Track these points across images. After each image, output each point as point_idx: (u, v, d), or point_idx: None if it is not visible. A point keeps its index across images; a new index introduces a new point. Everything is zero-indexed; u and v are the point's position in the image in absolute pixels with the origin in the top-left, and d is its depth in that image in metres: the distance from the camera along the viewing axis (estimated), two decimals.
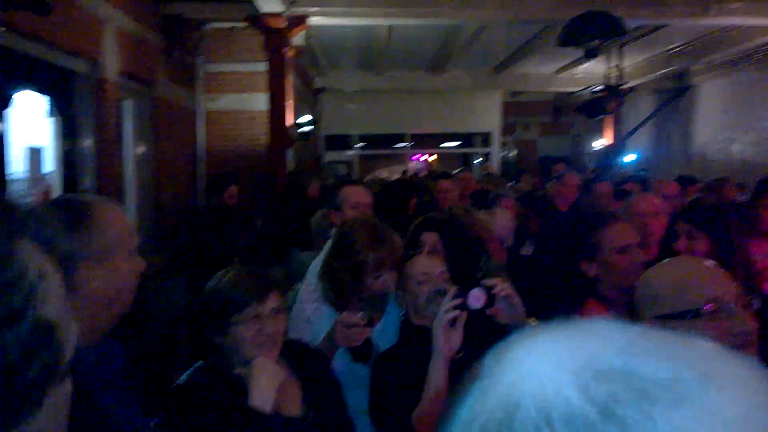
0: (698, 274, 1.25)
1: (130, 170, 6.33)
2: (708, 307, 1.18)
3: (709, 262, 1.32)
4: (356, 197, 2.73)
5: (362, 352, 1.90)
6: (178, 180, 7.18)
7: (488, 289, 1.60)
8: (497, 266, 3.02)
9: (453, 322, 1.61)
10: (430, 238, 2.65)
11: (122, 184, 6.00)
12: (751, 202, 3.39)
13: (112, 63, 5.40)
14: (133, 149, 6.39)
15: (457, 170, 16.83)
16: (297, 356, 1.75)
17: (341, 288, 2.09)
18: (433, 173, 11.74)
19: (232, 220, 5.06)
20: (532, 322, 1.73)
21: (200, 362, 1.69)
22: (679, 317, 1.22)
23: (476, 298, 1.58)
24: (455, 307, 1.59)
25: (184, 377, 1.64)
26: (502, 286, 1.61)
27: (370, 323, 1.89)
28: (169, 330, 3.66)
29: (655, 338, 0.41)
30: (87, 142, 5.19)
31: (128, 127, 6.34)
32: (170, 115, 6.92)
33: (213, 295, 1.64)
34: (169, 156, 6.82)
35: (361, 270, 2.03)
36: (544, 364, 0.39)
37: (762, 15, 7.10)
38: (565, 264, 2.22)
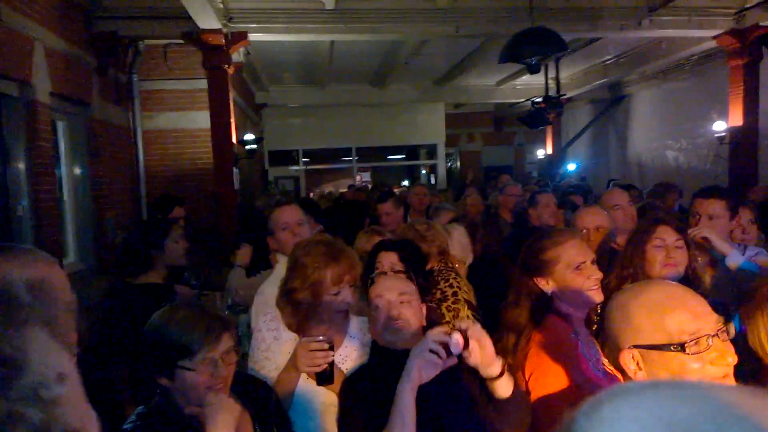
0: (680, 305, 1.21)
1: (66, 193, 6.07)
2: (692, 339, 1.16)
3: (686, 288, 1.28)
4: (284, 218, 2.73)
5: (325, 376, 1.88)
6: (119, 202, 6.89)
7: (464, 332, 1.60)
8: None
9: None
10: (387, 258, 2.63)
11: (60, 208, 5.72)
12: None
13: (42, 84, 5.14)
14: (69, 171, 6.13)
15: (403, 184, 16.95)
16: (244, 387, 1.70)
17: (301, 311, 2.05)
18: (377, 186, 11.76)
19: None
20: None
21: (141, 408, 1.59)
22: (659, 349, 1.20)
23: (457, 343, 1.58)
24: (437, 351, 1.59)
25: (128, 426, 1.53)
26: (473, 329, 1.61)
27: (332, 347, 1.87)
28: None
29: (744, 403, 0.42)
30: (20, 166, 4.91)
31: (63, 148, 6.08)
32: (107, 136, 6.64)
33: (160, 337, 1.53)
34: (108, 177, 6.54)
35: (319, 289, 2.00)
36: (636, 428, 0.40)
37: (691, 27, 7.45)
38: (522, 281, 2.17)
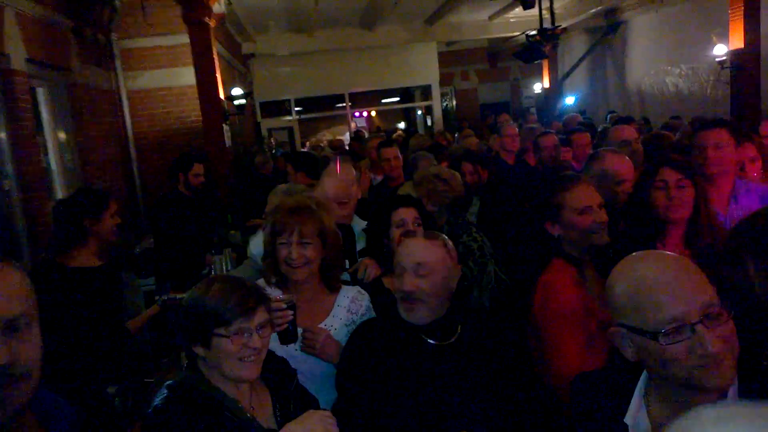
0: (661, 288, 1.13)
1: (53, 161, 5.96)
2: (666, 329, 1.11)
3: (678, 265, 1.18)
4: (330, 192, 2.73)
5: (286, 335, 1.93)
6: (109, 166, 6.79)
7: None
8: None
9: None
10: (409, 214, 2.51)
11: (48, 176, 5.64)
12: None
13: (17, 51, 4.94)
14: (54, 139, 6.00)
15: (399, 127, 16.73)
16: (264, 364, 1.71)
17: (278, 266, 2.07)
18: (378, 133, 11.60)
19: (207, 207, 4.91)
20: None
21: (170, 381, 1.61)
22: (638, 333, 1.16)
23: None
24: None
25: (158, 400, 1.56)
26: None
27: (292, 306, 1.90)
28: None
29: None
30: (2, 139, 4.79)
31: (46, 115, 5.93)
32: (90, 99, 6.47)
33: (197, 307, 1.57)
34: (95, 142, 6.42)
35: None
36: None
37: None
38: (531, 223, 2.29)
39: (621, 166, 2.84)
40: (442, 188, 3.02)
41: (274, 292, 2.05)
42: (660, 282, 1.14)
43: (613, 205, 2.60)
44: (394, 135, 11.80)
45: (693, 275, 1.16)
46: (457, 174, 3.27)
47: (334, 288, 2.14)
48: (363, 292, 2.22)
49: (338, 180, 2.74)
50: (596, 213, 2.10)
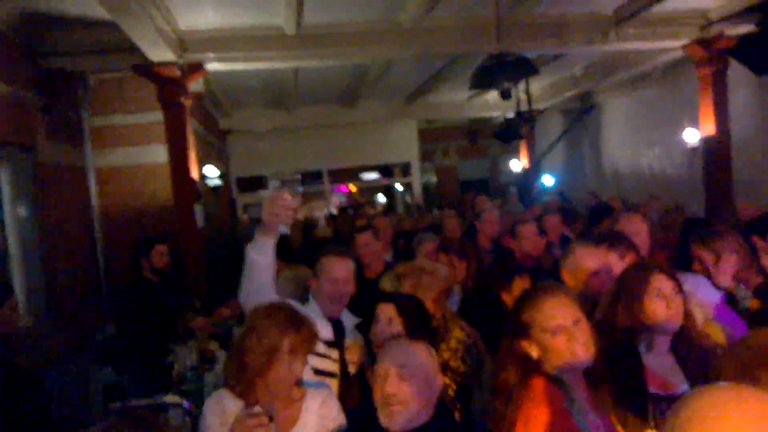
0: None
1: (12, 244, 5.66)
2: None
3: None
4: (335, 272, 2.75)
5: None
6: (72, 248, 6.47)
7: None
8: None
9: None
10: (384, 311, 2.43)
11: (6, 257, 5.32)
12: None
13: None
14: (13, 220, 5.71)
15: (379, 201, 16.69)
16: None
17: (246, 376, 1.92)
18: (355, 206, 11.48)
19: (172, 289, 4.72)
20: None
21: None
22: None
23: None
24: None
25: None
26: None
27: (271, 418, 1.76)
28: None
29: None
30: None
31: (5, 195, 5.67)
32: (55, 178, 6.23)
33: None
34: (58, 223, 6.13)
35: (273, 355, 1.89)
36: None
37: (657, 39, 7.33)
38: (506, 342, 1.96)
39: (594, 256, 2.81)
40: (426, 281, 2.84)
41: (236, 403, 1.92)
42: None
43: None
44: (379, 207, 11.71)
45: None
46: (443, 266, 3.15)
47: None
48: (331, 393, 2.07)
49: (336, 278, 2.68)
50: (571, 333, 1.82)
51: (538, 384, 1.83)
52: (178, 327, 5.07)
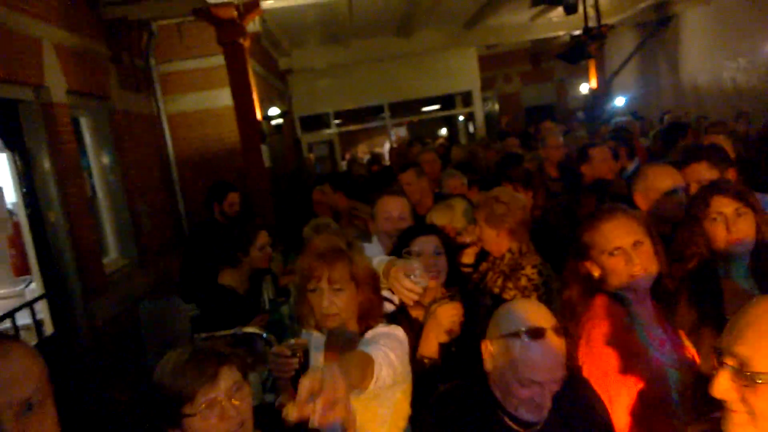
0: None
1: (99, 190, 6.02)
2: None
3: None
4: (388, 209, 2.84)
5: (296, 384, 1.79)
6: (152, 191, 6.82)
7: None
8: None
9: None
10: (428, 243, 2.35)
11: (93, 207, 5.68)
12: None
13: (57, 84, 4.98)
14: (98, 168, 6.06)
15: (441, 133, 16.44)
16: (276, 425, 1.66)
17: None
18: (413, 142, 11.37)
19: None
20: None
21: None
22: None
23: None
24: None
25: None
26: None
27: (294, 354, 1.76)
28: None
29: None
30: (46, 170, 4.82)
31: (89, 144, 6.00)
32: (131, 125, 6.51)
33: (160, 387, 1.45)
34: (137, 168, 6.45)
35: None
36: None
37: None
38: (570, 263, 1.99)
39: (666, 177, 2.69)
40: (500, 212, 2.72)
41: (314, 336, 1.97)
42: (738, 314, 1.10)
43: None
44: (436, 143, 11.57)
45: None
46: (520, 196, 2.96)
47: (367, 329, 1.93)
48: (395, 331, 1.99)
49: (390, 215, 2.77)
50: (629, 255, 1.82)
51: (600, 301, 1.87)
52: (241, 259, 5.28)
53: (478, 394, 1.67)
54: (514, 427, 1.61)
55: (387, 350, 1.73)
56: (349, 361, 1.53)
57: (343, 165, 12.62)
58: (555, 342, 1.58)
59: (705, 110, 10.12)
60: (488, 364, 1.67)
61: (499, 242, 2.74)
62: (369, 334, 1.87)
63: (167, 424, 1.44)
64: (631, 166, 4.83)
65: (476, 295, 2.61)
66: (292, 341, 1.83)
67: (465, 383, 1.76)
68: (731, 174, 2.74)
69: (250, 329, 3.08)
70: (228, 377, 1.43)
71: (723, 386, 1.06)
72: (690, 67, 11.69)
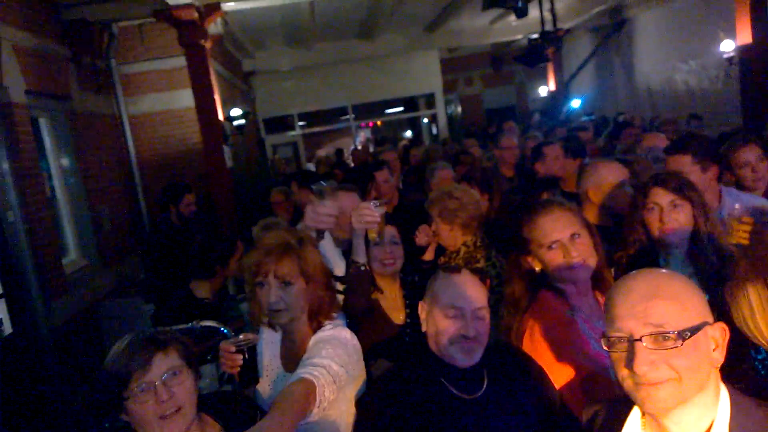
0: (623, 299, 1.17)
1: (58, 191, 5.98)
2: (610, 338, 1.17)
3: (648, 284, 1.17)
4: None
5: (243, 378, 1.91)
6: (113, 192, 6.80)
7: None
8: None
9: None
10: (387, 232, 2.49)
11: (53, 207, 5.65)
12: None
13: (16, 84, 4.96)
14: (58, 168, 6.02)
15: (406, 136, 16.63)
16: (226, 410, 1.67)
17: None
18: (380, 142, 11.51)
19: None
20: None
21: None
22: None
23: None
24: None
25: None
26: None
27: (240, 350, 1.83)
28: None
29: None
30: (4, 170, 4.79)
31: (48, 145, 5.96)
32: (92, 126, 6.49)
33: (103, 373, 1.50)
34: (98, 168, 6.43)
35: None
36: None
37: None
38: (512, 258, 2.06)
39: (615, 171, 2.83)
40: (453, 207, 2.86)
41: (268, 333, 2.00)
42: (628, 292, 1.16)
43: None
44: (400, 144, 11.75)
45: (665, 293, 1.14)
46: (472, 192, 3.09)
47: (316, 328, 1.94)
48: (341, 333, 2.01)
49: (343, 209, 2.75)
50: (567, 248, 1.85)
51: (543, 296, 1.91)
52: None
53: (421, 368, 1.74)
54: (456, 392, 1.68)
55: (329, 362, 1.71)
56: (287, 399, 1.53)
57: (309, 166, 12.71)
58: (471, 277, 1.74)
59: (658, 112, 10.51)
60: (424, 324, 1.78)
61: (453, 236, 2.86)
62: (313, 339, 1.86)
63: (115, 409, 1.49)
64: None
65: None
66: (241, 337, 1.88)
67: (407, 362, 1.84)
68: (714, 170, 2.77)
69: (208, 323, 3.11)
70: (163, 363, 1.47)
71: (647, 359, 1.09)
72: (644, 70, 12.08)
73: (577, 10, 11.61)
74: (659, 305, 1.12)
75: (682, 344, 1.09)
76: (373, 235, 2.27)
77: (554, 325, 1.84)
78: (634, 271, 1.22)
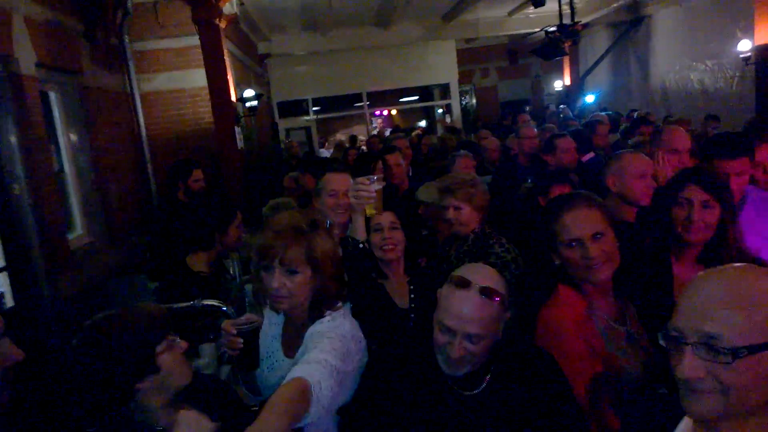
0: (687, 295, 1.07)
1: (67, 166, 5.99)
2: (669, 334, 1.07)
3: (727, 282, 1.06)
4: (332, 185, 2.79)
5: (242, 362, 1.86)
6: (123, 170, 6.80)
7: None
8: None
9: None
10: (384, 219, 2.51)
11: (60, 182, 5.65)
12: None
13: (26, 56, 4.94)
14: (67, 143, 6.02)
15: (420, 125, 16.57)
16: (206, 393, 1.69)
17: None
18: (398, 131, 11.48)
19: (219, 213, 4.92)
20: None
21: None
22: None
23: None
24: None
25: None
26: None
27: (241, 332, 1.79)
28: None
29: None
30: (12, 143, 4.78)
31: (58, 120, 5.95)
32: (103, 102, 6.47)
33: (128, 338, 1.53)
34: (108, 146, 6.42)
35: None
36: None
37: None
38: (535, 250, 2.09)
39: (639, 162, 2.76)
40: (473, 192, 2.82)
41: (271, 315, 1.96)
42: (696, 286, 1.07)
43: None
44: (413, 133, 11.69)
45: (735, 298, 1.02)
46: (480, 181, 3.04)
47: (316, 317, 1.83)
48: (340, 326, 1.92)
49: (335, 190, 2.72)
50: (586, 247, 1.79)
51: (562, 291, 1.87)
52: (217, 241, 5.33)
53: (424, 358, 1.70)
54: (455, 387, 1.65)
55: (325, 357, 1.63)
56: (278, 402, 1.45)
57: (322, 152, 12.72)
58: (476, 299, 1.60)
59: (672, 110, 10.39)
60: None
61: (471, 218, 2.81)
62: (309, 331, 1.79)
63: (143, 373, 1.50)
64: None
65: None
66: (243, 319, 1.83)
67: (408, 348, 1.81)
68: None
69: (210, 302, 3.09)
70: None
71: (691, 365, 1.01)
72: (659, 68, 11.95)
73: (596, 5, 11.46)
74: (721, 312, 1.01)
75: (733, 361, 0.99)
76: (371, 212, 2.24)
77: (569, 321, 1.79)
78: (727, 266, 1.10)
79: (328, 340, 1.70)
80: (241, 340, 1.78)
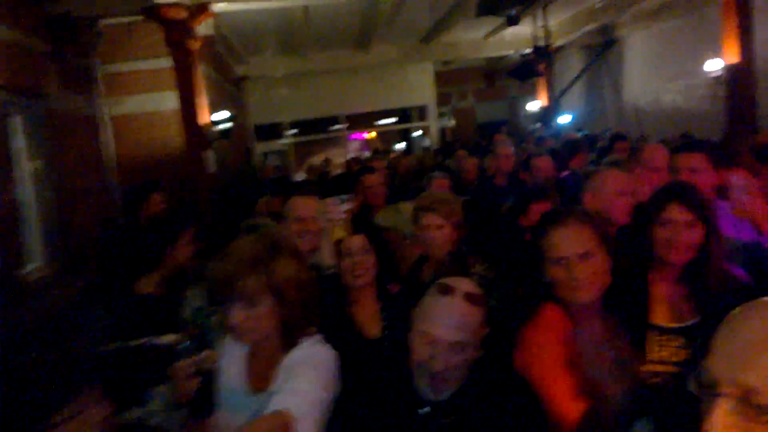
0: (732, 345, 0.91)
1: (27, 193, 5.74)
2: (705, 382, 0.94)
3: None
4: (298, 211, 2.72)
5: (196, 407, 1.56)
6: (89, 196, 6.59)
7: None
8: None
9: None
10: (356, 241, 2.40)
11: (19, 210, 5.42)
12: None
13: None
14: (27, 170, 5.78)
15: (398, 148, 16.58)
16: None
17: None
18: (377, 154, 11.45)
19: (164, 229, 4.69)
20: None
21: None
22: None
23: None
24: None
25: None
26: None
27: (200, 371, 1.56)
28: None
29: None
30: None
31: (19, 145, 5.72)
32: (68, 127, 6.28)
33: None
34: (72, 172, 6.21)
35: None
36: None
37: None
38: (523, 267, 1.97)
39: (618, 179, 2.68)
40: (451, 210, 2.69)
41: (232, 348, 1.76)
42: (734, 328, 0.93)
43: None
44: (391, 156, 11.66)
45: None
46: (458, 199, 2.96)
47: (290, 346, 1.70)
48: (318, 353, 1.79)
49: (301, 216, 2.63)
50: (572, 267, 1.70)
51: (546, 310, 1.78)
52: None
53: (400, 387, 1.64)
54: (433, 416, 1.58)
55: (310, 388, 1.54)
56: None
57: (300, 175, 12.60)
58: (461, 305, 1.56)
59: (645, 130, 10.51)
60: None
61: (449, 238, 2.67)
62: (287, 359, 1.66)
63: None
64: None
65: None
66: (202, 355, 1.62)
67: (385, 380, 1.73)
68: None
69: (161, 340, 2.84)
70: None
71: (722, 421, 0.88)
72: (632, 89, 12.15)
73: (569, 28, 11.64)
74: (763, 363, 0.88)
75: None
76: (342, 233, 2.13)
77: (551, 340, 1.70)
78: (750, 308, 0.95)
79: (309, 369, 1.59)
80: (197, 382, 1.57)
